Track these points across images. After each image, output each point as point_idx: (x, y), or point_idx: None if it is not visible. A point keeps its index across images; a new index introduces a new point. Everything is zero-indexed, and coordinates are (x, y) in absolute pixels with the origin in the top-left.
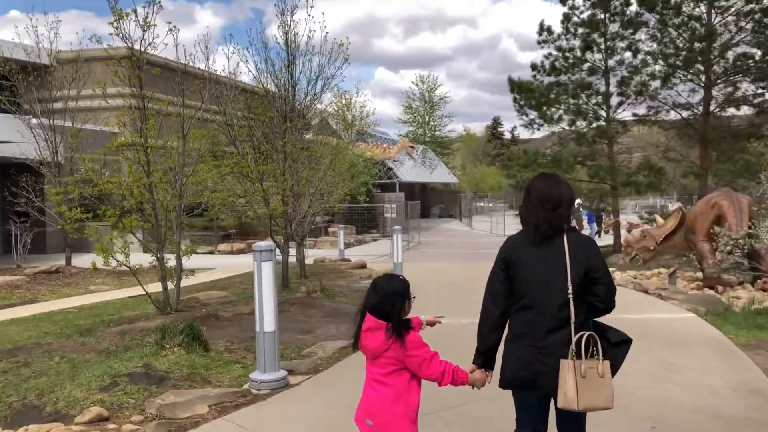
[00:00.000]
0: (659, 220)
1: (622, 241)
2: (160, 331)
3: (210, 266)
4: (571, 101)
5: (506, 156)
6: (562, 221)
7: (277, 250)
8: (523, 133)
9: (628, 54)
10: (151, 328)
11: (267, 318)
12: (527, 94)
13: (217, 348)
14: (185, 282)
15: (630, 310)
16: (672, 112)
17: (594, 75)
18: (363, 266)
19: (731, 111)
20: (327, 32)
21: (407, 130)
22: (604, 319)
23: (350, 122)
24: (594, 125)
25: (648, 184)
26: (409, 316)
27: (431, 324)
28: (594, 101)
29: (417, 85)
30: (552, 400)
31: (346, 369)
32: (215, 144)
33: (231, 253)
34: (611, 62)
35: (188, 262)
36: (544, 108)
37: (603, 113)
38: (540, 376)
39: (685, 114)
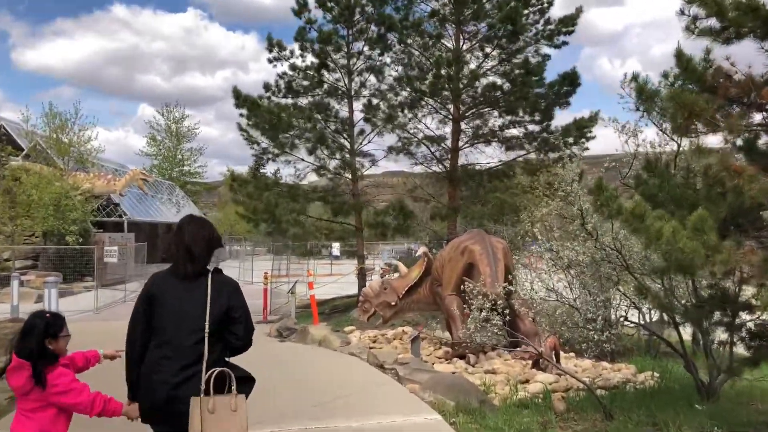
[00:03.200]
0: (402, 268)
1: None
2: None
3: None
4: (308, 125)
5: (230, 179)
6: (208, 261)
7: None
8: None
9: (373, 78)
10: None
11: None
12: (255, 113)
13: None
14: None
15: (349, 409)
16: (422, 147)
17: (335, 98)
18: None
19: (480, 147)
20: None
21: (151, 164)
22: None
23: (66, 147)
24: (336, 155)
25: (396, 228)
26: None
27: (110, 357)
28: (333, 127)
29: (163, 114)
30: None
31: None
32: None
33: None
34: (355, 85)
35: None
36: (278, 132)
37: (346, 143)
38: (171, 413)
39: (434, 149)
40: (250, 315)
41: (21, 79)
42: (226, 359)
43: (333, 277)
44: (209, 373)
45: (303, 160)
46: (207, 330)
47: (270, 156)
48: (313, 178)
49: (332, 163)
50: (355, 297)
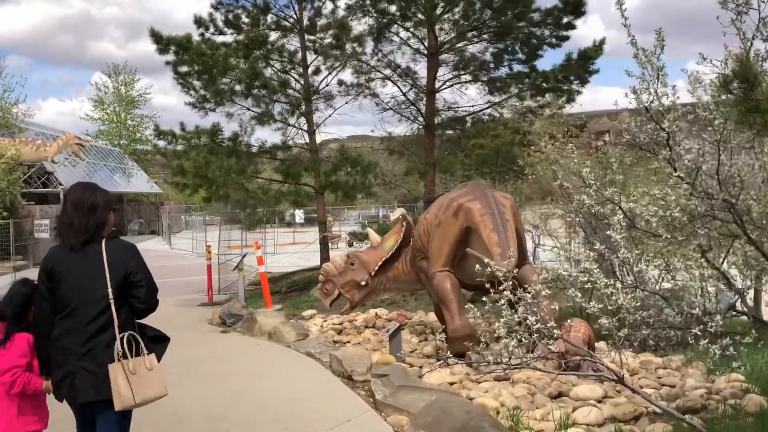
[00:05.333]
0: (373, 236)
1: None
2: None
3: None
4: (244, 63)
5: (156, 131)
6: (97, 226)
7: None
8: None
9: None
10: None
11: None
12: (185, 55)
13: None
14: None
15: None
16: (390, 86)
17: (283, 32)
18: None
19: (462, 89)
20: None
21: (97, 130)
22: None
23: None
24: (280, 96)
25: (353, 186)
26: None
27: None
28: (279, 66)
29: (110, 76)
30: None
31: None
32: None
33: None
34: (308, 13)
35: None
36: (215, 75)
37: (297, 84)
38: (82, 384)
39: (405, 89)
40: (152, 276)
41: None
42: (137, 321)
43: (296, 247)
44: (120, 336)
45: (249, 109)
46: (111, 297)
47: (210, 107)
48: (265, 134)
49: (278, 108)
50: (317, 271)
